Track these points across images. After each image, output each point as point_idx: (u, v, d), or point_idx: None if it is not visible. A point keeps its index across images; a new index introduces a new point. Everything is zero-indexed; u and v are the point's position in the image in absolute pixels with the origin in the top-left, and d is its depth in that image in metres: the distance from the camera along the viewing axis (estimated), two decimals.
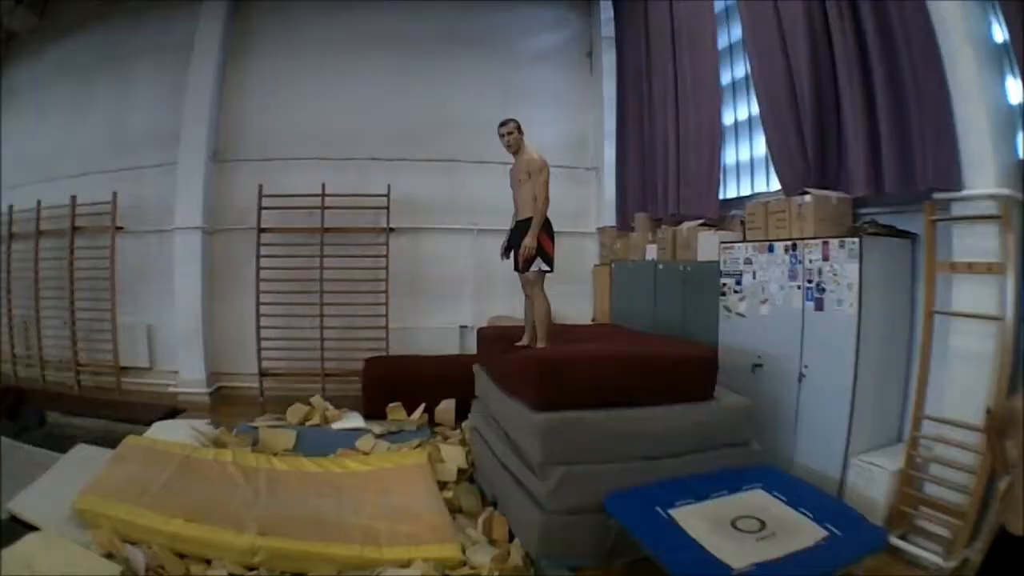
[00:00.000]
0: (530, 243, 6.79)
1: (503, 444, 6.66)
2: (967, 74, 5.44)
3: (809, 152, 7.20)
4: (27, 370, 13.25)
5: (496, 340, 7.69)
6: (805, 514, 4.80)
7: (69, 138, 13.12)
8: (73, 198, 12.29)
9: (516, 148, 7.15)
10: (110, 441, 8.45)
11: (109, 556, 5.57)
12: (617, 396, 5.75)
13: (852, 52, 6.52)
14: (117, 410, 10.84)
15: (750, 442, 6.07)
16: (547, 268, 6.93)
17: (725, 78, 9.35)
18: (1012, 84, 5.49)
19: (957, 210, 5.60)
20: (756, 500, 5.10)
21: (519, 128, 7.09)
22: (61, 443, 8.76)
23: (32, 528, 6.06)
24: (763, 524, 4.69)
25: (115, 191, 12.02)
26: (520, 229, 7.02)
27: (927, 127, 5.76)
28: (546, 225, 6.93)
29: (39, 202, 12.67)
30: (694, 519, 4.80)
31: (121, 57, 12.86)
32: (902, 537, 5.52)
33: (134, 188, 12.35)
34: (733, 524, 4.72)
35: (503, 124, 7.17)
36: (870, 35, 6.29)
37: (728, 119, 9.37)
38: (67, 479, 7.17)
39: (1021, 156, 5.48)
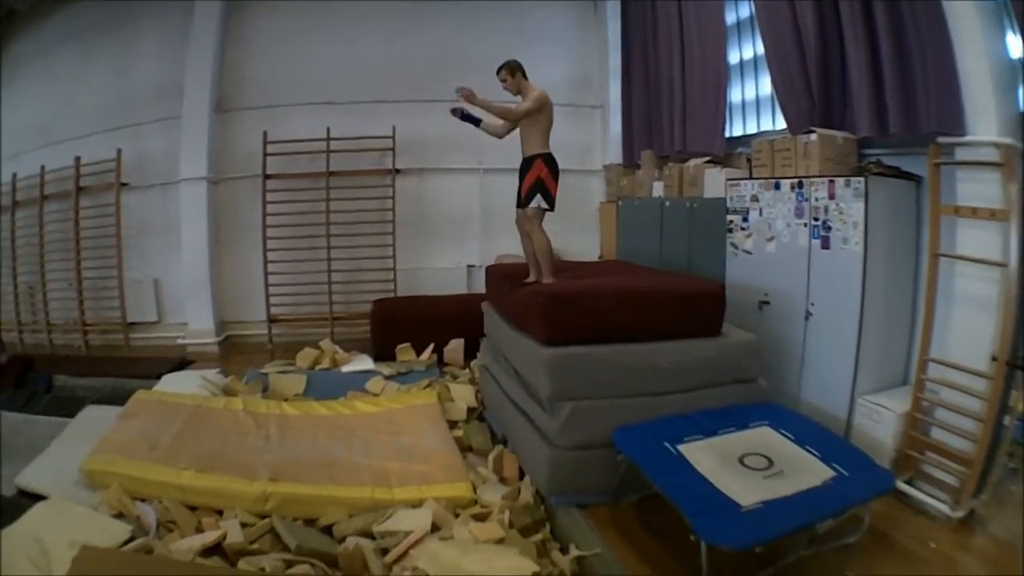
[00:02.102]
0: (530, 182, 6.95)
1: (512, 381, 6.73)
2: (968, 26, 5.46)
3: (814, 92, 7.20)
4: (34, 336, 13.47)
5: (504, 277, 7.70)
6: (812, 453, 4.85)
7: (73, 101, 13.19)
8: (77, 159, 12.35)
9: (516, 90, 7.12)
10: (119, 399, 8.49)
11: (119, 516, 5.62)
12: (626, 331, 5.83)
13: None
14: (125, 367, 10.96)
15: (757, 379, 6.10)
16: (547, 206, 6.92)
17: (730, 18, 9.29)
18: (1012, 40, 5.52)
19: (961, 155, 5.61)
20: (763, 437, 5.16)
21: (514, 71, 7.08)
22: (70, 406, 8.85)
23: (41, 499, 6.01)
24: (771, 462, 4.76)
25: (119, 148, 12.09)
26: (525, 167, 7.03)
27: (930, 73, 5.80)
28: (550, 164, 6.92)
29: (43, 167, 12.75)
30: (702, 455, 4.88)
31: (122, 16, 12.88)
32: (908, 482, 5.56)
33: (138, 144, 12.42)
34: (741, 461, 4.80)
35: (498, 71, 7.17)
36: None
37: (734, 58, 9.35)
38: (75, 443, 7.24)
39: (1023, 109, 5.50)
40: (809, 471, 4.63)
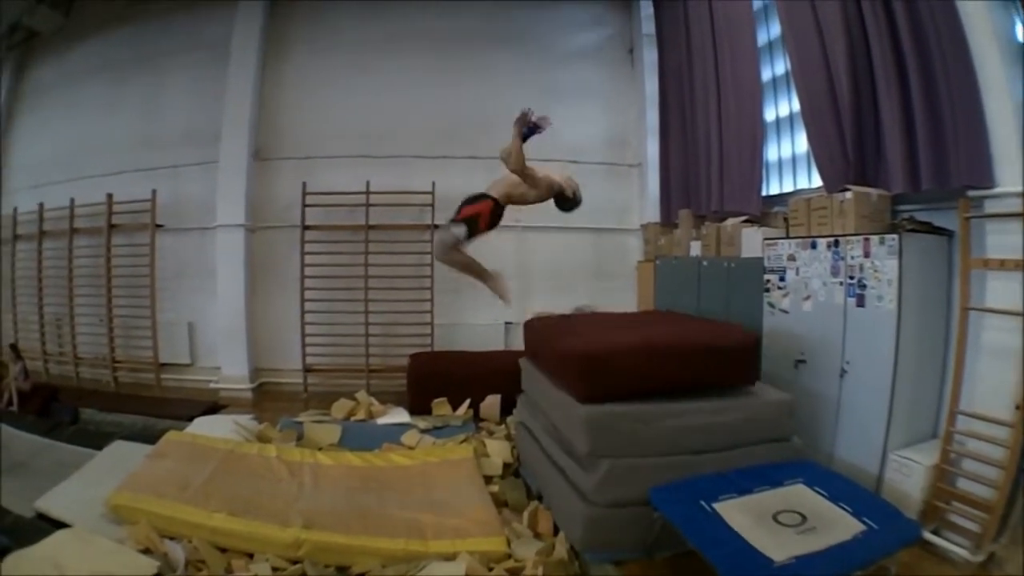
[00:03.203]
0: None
1: (549, 437, 6.83)
2: (994, 72, 5.74)
3: (849, 149, 7.37)
4: (60, 367, 13.62)
5: (543, 333, 7.76)
6: (844, 508, 4.96)
7: (102, 136, 13.50)
8: (109, 196, 12.68)
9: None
10: (149, 437, 8.79)
11: (146, 552, 5.74)
12: (662, 385, 5.95)
13: (888, 51, 6.73)
14: (157, 406, 11.10)
15: (791, 437, 6.18)
16: (465, 234, 6.47)
17: (766, 74, 9.59)
18: None
19: (990, 207, 5.81)
20: (797, 494, 5.26)
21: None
22: (96, 440, 9.06)
23: (61, 526, 6.20)
24: (804, 518, 4.87)
25: (154, 189, 12.38)
26: (475, 198, 6.78)
27: (959, 124, 6.02)
28: (499, 210, 6.73)
29: (72, 200, 13.08)
30: (737, 512, 4.97)
31: (152, 57, 13.29)
32: (935, 532, 5.71)
33: (172, 186, 12.74)
34: (775, 518, 4.90)
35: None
36: (904, 34, 6.53)
37: (770, 115, 9.58)
38: (101, 476, 7.45)
39: None
40: (840, 526, 4.75)
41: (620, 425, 5.74)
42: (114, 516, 6.37)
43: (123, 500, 6.46)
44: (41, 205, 13.50)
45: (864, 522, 4.76)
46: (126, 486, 6.77)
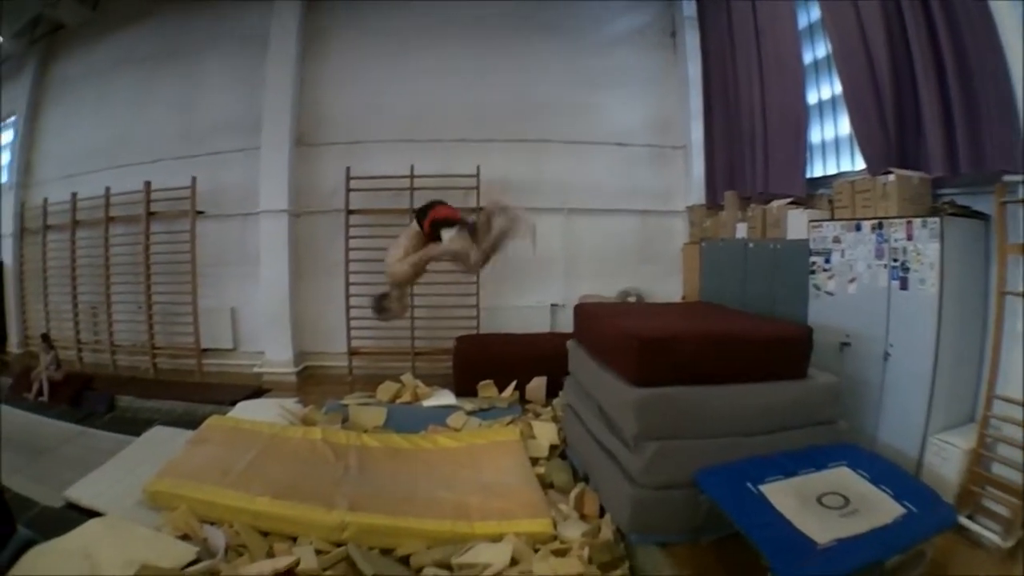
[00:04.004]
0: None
1: (597, 419, 6.91)
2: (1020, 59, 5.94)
3: (890, 131, 7.57)
4: (95, 356, 14.03)
5: (593, 316, 7.82)
6: (885, 491, 5.12)
7: (137, 126, 13.90)
8: (147, 183, 13.04)
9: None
10: (189, 422, 9.14)
11: (184, 538, 5.91)
12: (713, 374, 6.00)
13: (924, 36, 6.95)
14: (198, 391, 11.45)
15: (837, 420, 6.30)
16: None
17: (807, 57, 9.82)
18: None
19: None
20: (841, 477, 5.40)
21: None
22: (133, 426, 9.44)
23: (94, 515, 6.32)
24: (847, 500, 5.02)
25: (194, 176, 12.72)
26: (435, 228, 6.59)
27: (993, 107, 6.27)
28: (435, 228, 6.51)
29: (108, 189, 13.50)
30: (782, 495, 5.13)
31: (188, 47, 13.70)
32: (969, 517, 5.83)
33: (212, 173, 13.06)
34: (819, 500, 5.06)
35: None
36: (939, 20, 6.75)
37: (815, 97, 9.77)
38: (137, 463, 7.75)
39: None
40: (881, 509, 4.90)
41: (670, 408, 5.85)
42: (152, 503, 6.58)
43: (162, 487, 6.68)
44: (74, 195, 13.87)
45: (904, 505, 4.90)
46: (166, 472, 7.00)
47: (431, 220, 6.51)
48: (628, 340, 6.12)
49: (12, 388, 12.14)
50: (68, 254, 14.07)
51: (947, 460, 6.22)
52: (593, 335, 7.55)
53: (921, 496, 5.07)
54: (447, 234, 6.40)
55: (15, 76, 15.62)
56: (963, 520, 5.69)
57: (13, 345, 15.54)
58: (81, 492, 7.00)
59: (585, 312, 8.30)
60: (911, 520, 4.78)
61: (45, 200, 14.42)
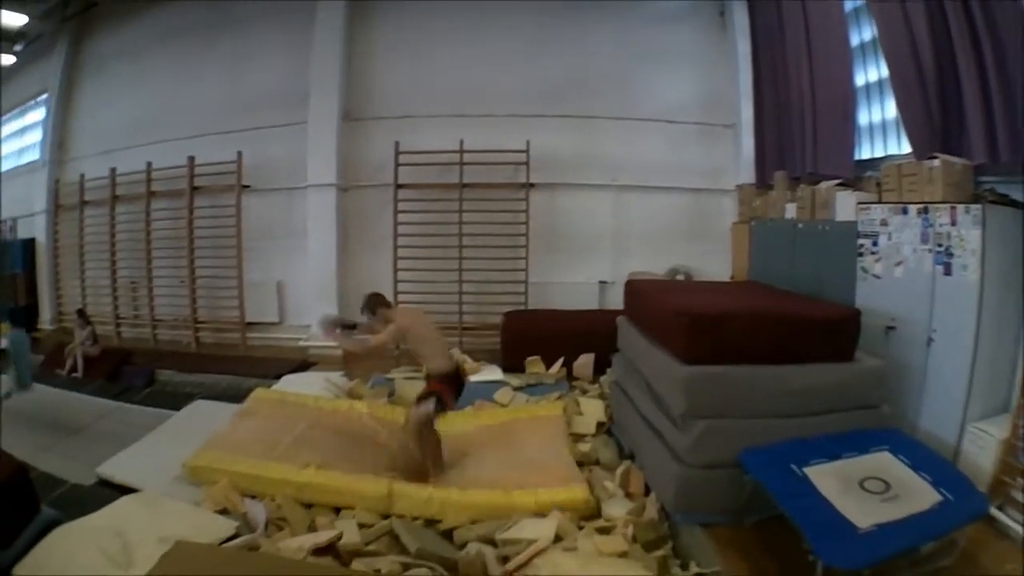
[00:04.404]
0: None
1: (645, 397, 7.12)
2: None
3: (934, 117, 7.84)
4: (134, 331, 14.50)
5: (644, 293, 7.97)
6: (924, 478, 5.24)
7: (179, 102, 14.34)
8: (191, 158, 13.51)
9: (385, 321, 7.52)
10: (233, 396, 9.53)
11: (223, 513, 6.14)
12: (762, 353, 6.13)
13: (963, 22, 7.24)
14: (242, 365, 11.87)
15: (881, 405, 6.38)
16: (435, 409, 6.97)
17: (855, 39, 10.08)
18: None
19: None
20: (883, 462, 5.52)
21: (373, 308, 7.64)
22: (173, 401, 9.83)
23: (128, 492, 6.52)
24: (888, 486, 5.17)
25: (239, 151, 13.16)
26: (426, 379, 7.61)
27: None
28: (450, 379, 7.28)
29: (149, 164, 13.91)
30: (826, 478, 5.27)
31: (228, 22, 14.09)
32: (999, 507, 5.86)
33: (257, 148, 13.46)
34: (861, 484, 5.20)
35: (363, 311, 7.82)
36: (976, 10, 7.09)
37: (864, 79, 10.02)
38: (177, 437, 8.09)
39: None
40: (920, 495, 5.06)
41: (718, 386, 5.99)
42: (192, 478, 6.82)
43: (203, 461, 6.93)
44: (113, 170, 14.31)
45: (941, 493, 5.04)
46: (208, 446, 7.27)
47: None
48: (679, 317, 6.27)
49: (44, 365, 12.48)
50: (107, 229, 14.48)
51: (983, 449, 6.27)
52: (643, 312, 7.73)
53: (957, 484, 5.18)
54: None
55: (46, 55, 16.14)
56: (993, 511, 5.72)
57: (45, 322, 15.97)
58: (115, 468, 7.28)
59: (635, 289, 8.43)
60: (947, 508, 4.91)
61: (82, 176, 14.88)
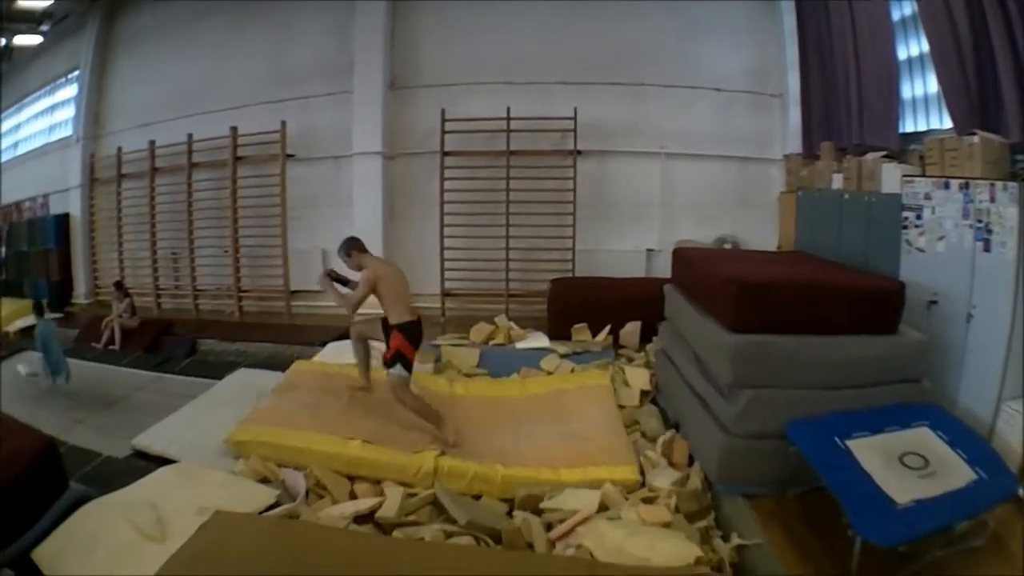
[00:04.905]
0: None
1: (691, 365, 7.43)
2: None
3: (972, 94, 8.17)
4: (175, 301, 15.16)
5: (692, 261, 8.28)
6: (961, 456, 5.37)
7: (220, 74, 14.92)
8: (234, 129, 14.08)
9: (358, 266, 7.92)
10: (276, 364, 10.05)
11: (264, 482, 6.43)
12: (808, 323, 6.36)
13: (997, 2, 7.56)
14: (286, 333, 12.48)
15: (923, 379, 6.54)
16: (407, 374, 7.61)
17: (896, 14, 10.34)
18: None
19: None
20: (922, 437, 5.65)
21: (349, 251, 7.92)
22: (215, 370, 10.34)
23: (165, 463, 6.85)
24: (926, 461, 5.32)
25: (284, 120, 13.68)
26: (386, 332, 7.78)
27: None
28: (408, 333, 7.64)
29: (190, 136, 14.48)
30: (868, 452, 5.43)
31: None
32: None
33: (302, 118, 14.02)
34: (901, 459, 5.34)
35: (339, 251, 8.12)
36: None
37: (912, 51, 10.24)
38: (218, 406, 8.48)
39: None
40: (956, 473, 5.20)
41: (765, 356, 6.23)
42: (236, 451, 7.11)
43: (247, 435, 7.21)
44: (152, 142, 14.92)
45: (976, 471, 5.17)
46: (252, 419, 7.59)
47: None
48: (727, 285, 6.53)
49: (78, 339, 13.03)
50: (146, 201, 15.13)
51: (1016, 428, 6.34)
52: (691, 280, 8.06)
53: (991, 463, 5.31)
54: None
55: (77, 32, 16.78)
56: (1022, 492, 5.64)
57: (80, 296, 16.65)
58: (151, 439, 7.60)
59: (684, 257, 8.74)
60: (981, 487, 5.03)
61: (119, 149, 15.50)
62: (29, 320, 12.54)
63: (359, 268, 7.91)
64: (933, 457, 5.36)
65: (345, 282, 8.21)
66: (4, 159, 18.78)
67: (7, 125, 19.68)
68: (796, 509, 6.01)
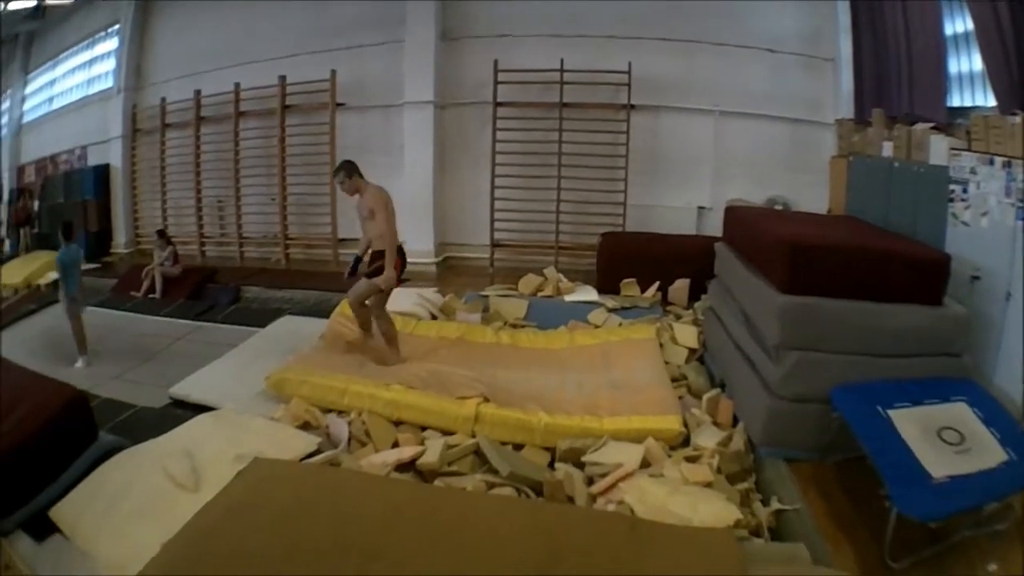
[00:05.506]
0: (389, 275, 8.36)
1: (739, 325, 7.78)
2: None
3: (1014, 73, 8.37)
4: (219, 249, 15.98)
5: (745, 219, 8.64)
6: (994, 435, 5.57)
7: (268, 25, 15.51)
8: (282, 77, 14.83)
9: (354, 191, 8.58)
10: (322, 311, 10.58)
11: (305, 428, 6.74)
12: (857, 287, 6.56)
13: None
14: (333, 281, 12.77)
15: (963, 354, 6.73)
16: (384, 287, 8.44)
17: None
18: None
19: None
20: (960, 413, 5.84)
21: (349, 173, 8.46)
22: (259, 317, 10.94)
23: (202, 411, 7.15)
24: (963, 437, 5.54)
25: (333, 69, 14.38)
26: (376, 257, 8.55)
27: None
28: (403, 252, 8.58)
29: (237, 84, 15.23)
30: (908, 423, 5.64)
31: None
32: None
33: (352, 67, 14.69)
34: (939, 434, 5.56)
35: (335, 175, 8.78)
36: None
37: (954, 29, 10.49)
38: (260, 354, 8.98)
39: None
40: (989, 452, 5.41)
41: (814, 318, 6.46)
42: (276, 391, 7.55)
43: (289, 374, 7.66)
44: (198, 92, 15.72)
45: (1007, 452, 5.38)
46: (295, 362, 8.13)
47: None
48: (780, 245, 6.80)
49: (116, 288, 13.81)
50: (191, 151, 15.98)
51: None
52: (743, 239, 8.38)
53: (1022, 445, 5.46)
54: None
55: None
56: None
57: (120, 246, 17.48)
58: (190, 388, 8.00)
59: (737, 215, 9.09)
60: (1011, 468, 5.25)
61: (163, 100, 16.37)
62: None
63: (354, 192, 8.57)
64: (969, 434, 5.60)
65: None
66: (39, 114, 20.03)
67: (42, 81, 20.74)
68: (835, 476, 6.33)
